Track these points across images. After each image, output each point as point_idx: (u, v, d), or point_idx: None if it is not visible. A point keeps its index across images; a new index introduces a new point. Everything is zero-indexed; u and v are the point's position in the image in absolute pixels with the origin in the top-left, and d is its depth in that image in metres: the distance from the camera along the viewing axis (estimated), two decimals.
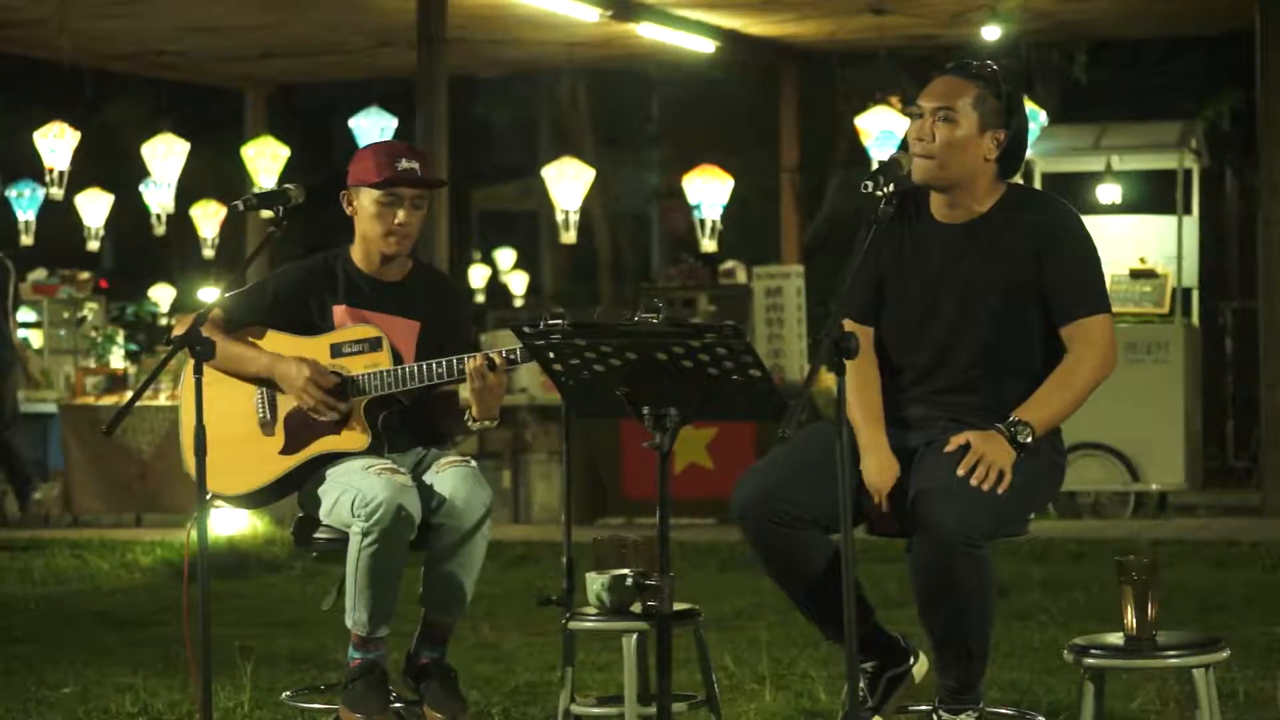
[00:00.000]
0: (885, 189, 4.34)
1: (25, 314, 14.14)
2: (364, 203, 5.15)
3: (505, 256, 28.23)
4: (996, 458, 4.36)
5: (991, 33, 13.95)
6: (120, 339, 14.23)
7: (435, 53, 12.98)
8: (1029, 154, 12.52)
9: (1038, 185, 12.32)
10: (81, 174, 14.99)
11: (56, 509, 12.80)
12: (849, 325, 4.54)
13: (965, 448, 4.39)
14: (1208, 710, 4.13)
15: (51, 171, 14.21)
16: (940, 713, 4.50)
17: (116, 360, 13.78)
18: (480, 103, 24.88)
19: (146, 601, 8.73)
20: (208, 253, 17.25)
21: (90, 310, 15.10)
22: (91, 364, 13.69)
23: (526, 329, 4.18)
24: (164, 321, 18.26)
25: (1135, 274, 12.10)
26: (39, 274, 15.58)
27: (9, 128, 20.42)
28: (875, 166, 4.51)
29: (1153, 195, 13.98)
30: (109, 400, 12.79)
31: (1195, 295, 12.61)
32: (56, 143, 14.20)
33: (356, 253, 5.22)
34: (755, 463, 4.64)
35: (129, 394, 12.57)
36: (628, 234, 26.57)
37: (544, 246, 26.67)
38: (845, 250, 4.76)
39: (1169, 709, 5.41)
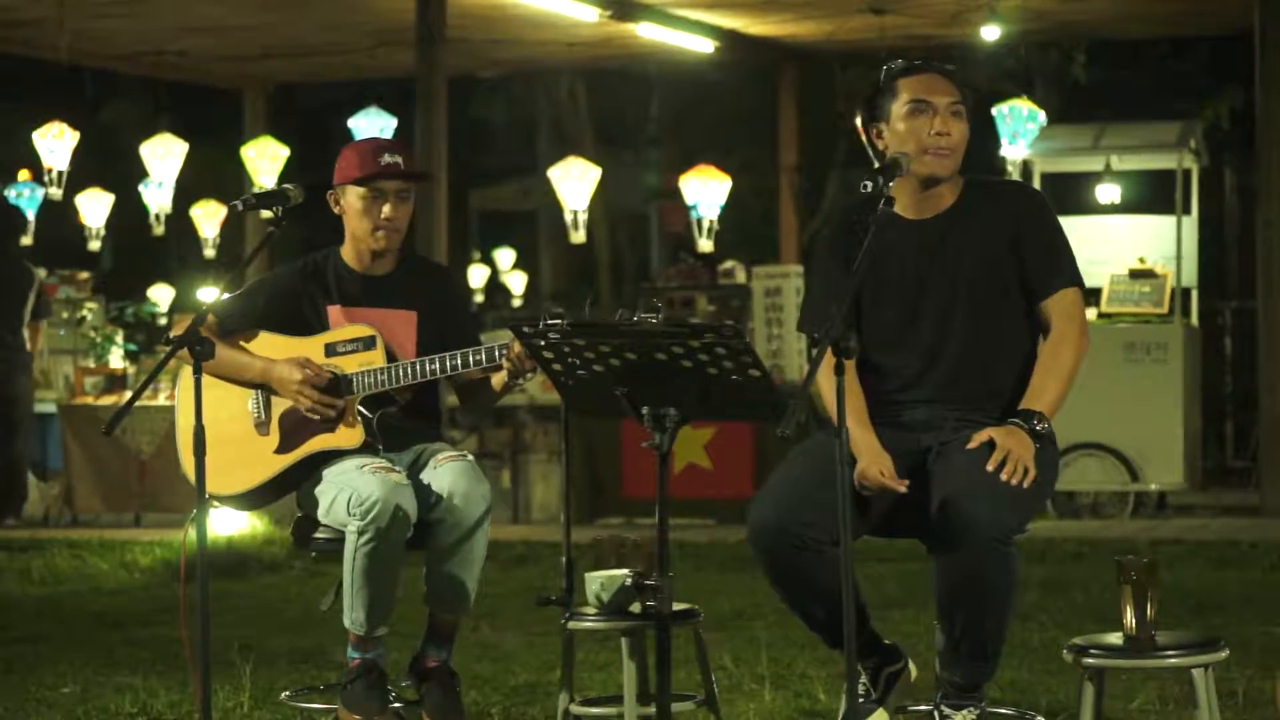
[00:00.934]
0: (886, 189, 4.34)
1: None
2: (350, 200, 5.16)
3: (504, 256, 28.24)
4: (1022, 452, 4.39)
5: (991, 32, 13.95)
6: (119, 339, 14.23)
7: (434, 53, 12.98)
8: (1028, 154, 12.65)
9: (1037, 185, 12.32)
10: (81, 174, 15.00)
11: (56, 509, 12.80)
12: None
13: (989, 445, 4.40)
14: (1207, 710, 4.13)
15: (50, 171, 14.21)
16: (942, 707, 4.51)
17: (116, 360, 13.78)
18: (479, 103, 24.87)
19: (146, 601, 8.73)
20: (208, 253, 17.25)
21: (89, 310, 15.10)
22: (91, 364, 13.68)
23: (525, 329, 4.18)
24: (163, 322, 18.25)
25: (1134, 274, 12.10)
26: (38, 274, 15.57)
27: (8, 128, 20.42)
28: (875, 166, 4.52)
29: (1152, 195, 13.98)
30: (108, 400, 12.78)
31: (1194, 295, 12.61)
32: (55, 143, 14.20)
33: (347, 252, 5.23)
34: (764, 486, 4.60)
35: (128, 394, 12.57)
36: (627, 234, 26.57)
37: (543, 246, 26.66)
38: None
39: (1168, 709, 5.42)
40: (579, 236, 14.45)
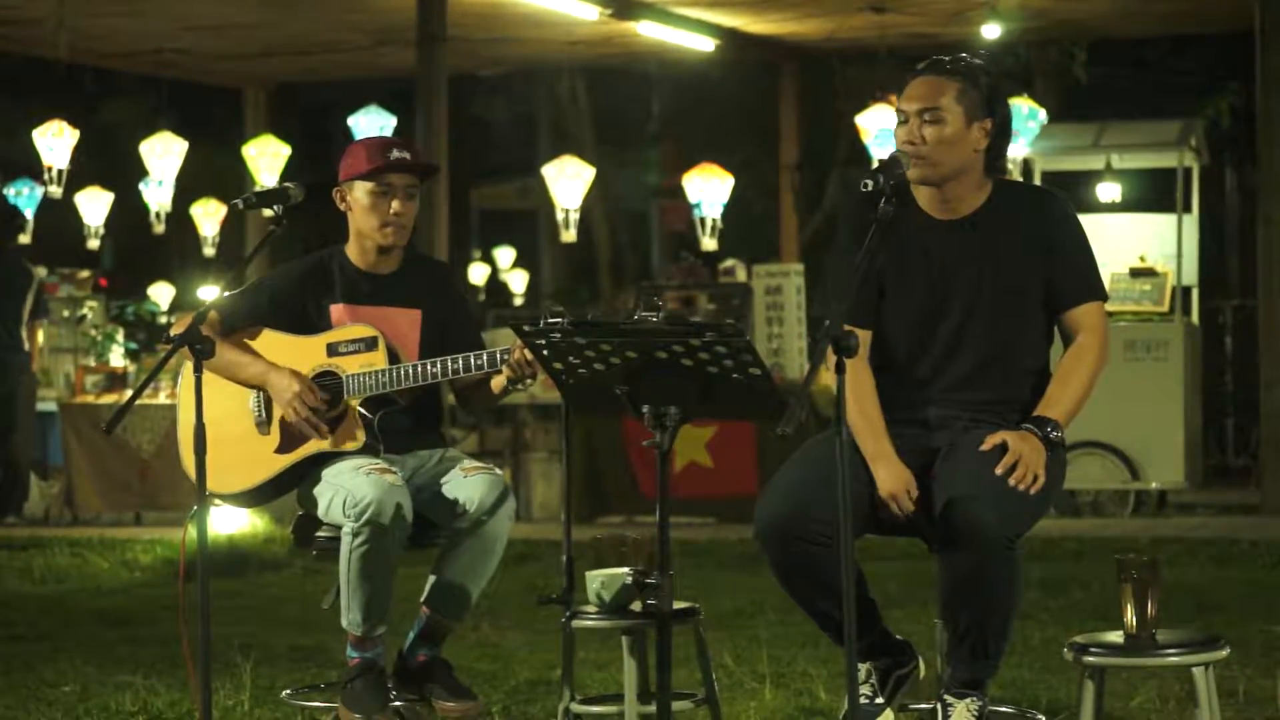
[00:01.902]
0: (886, 187, 4.34)
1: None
2: (357, 196, 5.16)
3: (505, 255, 28.24)
4: (1033, 458, 4.39)
5: (991, 31, 13.95)
6: (120, 337, 14.23)
7: (435, 51, 12.98)
8: (1028, 152, 12.65)
9: (1037, 184, 12.31)
10: (81, 172, 14.99)
11: (57, 507, 12.80)
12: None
13: (1001, 448, 4.39)
14: (1207, 708, 4.13)
15: (50, 170, 14.21)
16: (945, 697, 4.51)
17: (116, 359, 13.78)
18: (480, 101, 24.88)
19: (146, 600, 8.72)
20: (208, 251, 17.25)
21: (90, 309, 15.10)
22: (91, 362, 13.69)
23: (526, 328, 4.18)
24: (164, 320, 18.26)
25: (1135, 272, 12.10)
26: (39, 272, 15.57)
27: (8, 126, 20.42)
28: (875, 165, 4.51)
29: (1152, 194, 13.98)
30: (109, 399, 12.78)
31: (1195, 294, 12.61)
32: (55, 141, 14.19)
33: (352, 250, 5.23)
34: (771, 483, 4.59)
35: (129, 392, 12.57)
36: (627, 233, 26.58)
37: (544, 245, 26.68)
38: None
39: (1169, 707, 5.41)
40: (570, 236, 14.44)
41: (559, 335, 4.13)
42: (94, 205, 16.40)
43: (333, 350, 5.11)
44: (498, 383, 5.12)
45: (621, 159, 25.14)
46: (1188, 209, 12.50)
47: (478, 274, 26.92)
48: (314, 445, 5.09)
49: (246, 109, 17.17)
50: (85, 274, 15.75)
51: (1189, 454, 11.90)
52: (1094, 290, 4.60)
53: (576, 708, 4.91)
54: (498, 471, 5.12)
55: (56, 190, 14.38)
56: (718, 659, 6.01)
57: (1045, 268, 4.56)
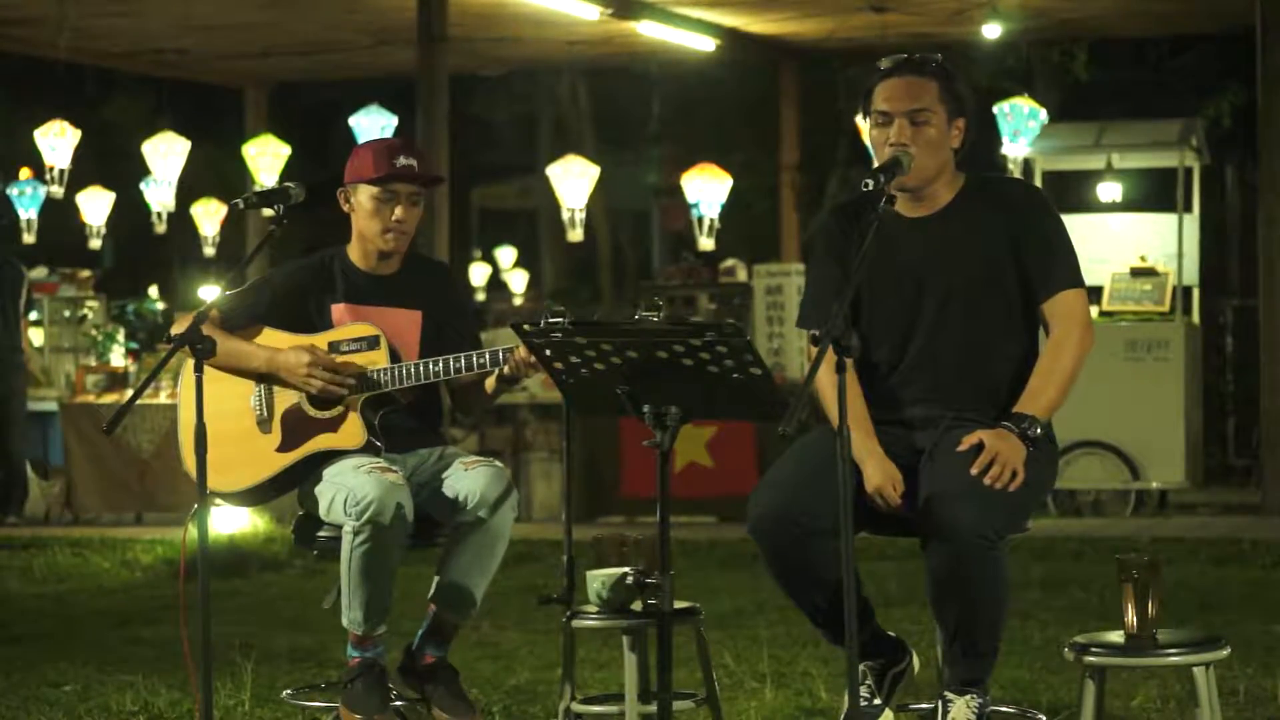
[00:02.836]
0: (887, 187, 4.34)
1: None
2: (361, 200, 5.15)
3: (505, 254, 28.26)
4: (1010, 456, 4.37)
5: (992, 30, 13.95)
6: (121, 337, 14.23)
7: (435, 51, 12.98)
8: (1029, 152, 12.65)
9: (1038, 183, 12.32)
10: (82, 172, 15.00)
11: (57, 507, 12.80)
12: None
13: (979, 447, 4.39)
14: (1208, 708, 4.13)
15: (52, 170, 14.21)
16: (945, 694, 4.51)
17: (117, 358, 13.78)
18: (480, 101, 24.87)
19: (147, 600, 8.73)
20: (208, 251, 17.26)
21: (91, 309, 15.11)
22: (92, 362, 13.69)
23: (527, 327, 4.18)
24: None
25: (1136, 272, 12.10)
26: (39, 272, 15.58)
27: (9, 126, 20.42)
28: (876, 164, 4.51)
29: (1153, 193, 13.97)
30: (109, 398, 12.78)
31: (1196, 293, 12.61)
32: (57, 141, 14.20)
33: (354, 251, 5.23)
34: (764, 477, 4.61)
35: (129, 392, 12.57)
36: (628, 232, 26.58)
37: (544, 244, 26.68)
38: None
39: (1169, 707, 5.42)
40: (576, 235, 14.45)
41: (560, 335, 4.13)
42: (95, 205, 16.40)
43: (335, 349, 5.11)
44: (490, 383, 5.12)
45: (621, 159, 25.13)
46: (1188, 209, 12.50)
47: (478, 274, 26.93)
48: (315, 443, 5.09)
49: (247, 109, 17.17)
50: (86, 273, 15.76)
51: (1190, 454, 11.90)
52: (1067, 279, 4.56)
53: (577, 707, 4.91)
54: (498, 464, 5.11)
55: (58, 190, 14.38)
56: (718, 659, 6.01)
57: (1016, 259, 4.55)
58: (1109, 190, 13.14)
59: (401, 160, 5.12)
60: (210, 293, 14.87)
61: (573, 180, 14.40)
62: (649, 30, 14.47)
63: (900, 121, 4.51)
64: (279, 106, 17.71)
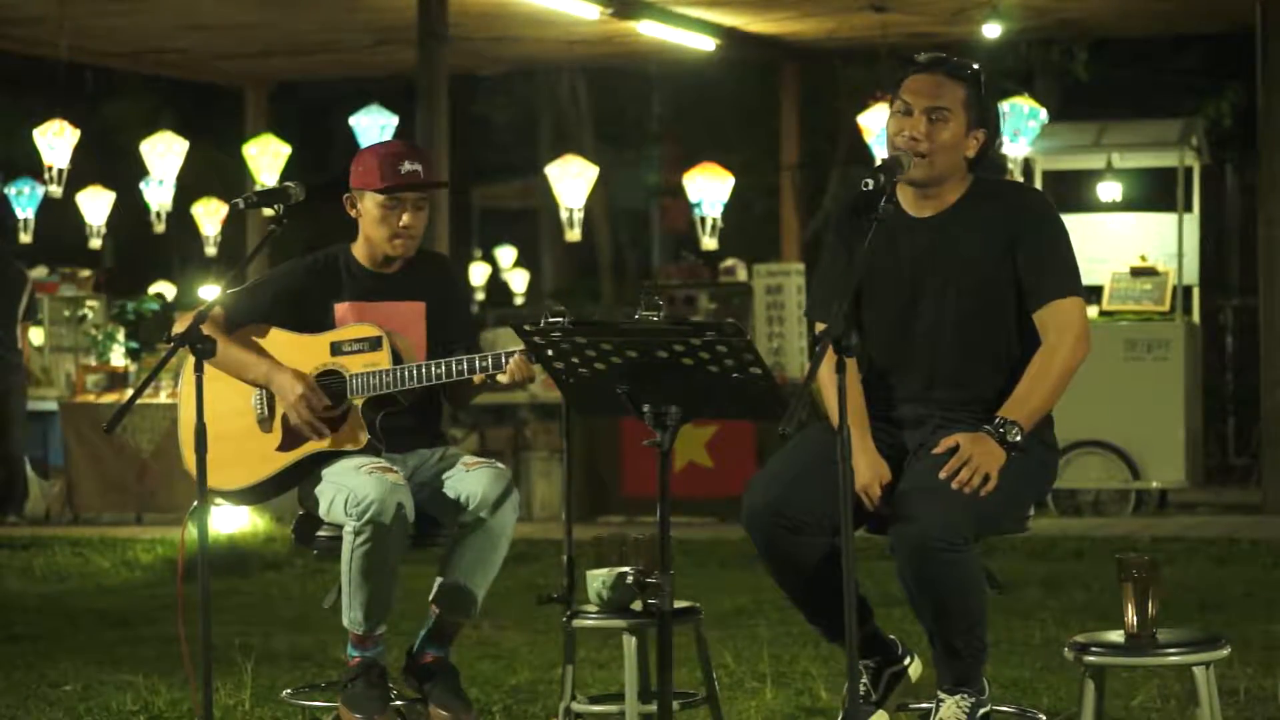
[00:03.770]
0: (886, 187, 4.34)
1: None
2: (368, 206, 5.15)
3: (506, 254, 28.25)
4: (983, 461, 4.35)
5: (992, 30, 13.94)
6: (121, 337, 14.23)
7: (436, 50, 12.97)
8: (1029, 152, 12.65)
9: (1038, 183, 12.32)
10: (82, 172, 14.99)
11: (57, 507, 12.80)
12: (821, 327, 4.56)
13: (953, 450, 4.38)
14: (1208, 708, 4.13)
15: (51, 169, 14.21)
16: (939, 693, 4.51)
17: (117, 358, 13.78)
18: (481, 100, 24.88)
19: (147, 599, 8.73)
20: (209, 250, 17.25)
21: (91, 308, 15.10)
22: (92, 362, 13.69)
23: (527, 327, 4.18)
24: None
25: (1136, 272, 12.10)
26: (39, 272, 15.58)
27: (9, 125, 20.41)
28: (877, 164, 4.51)
29: (1153, 193, 13.97)
30: (110, 398, 12.78)
31: (1196, 293, 12.61)
32: (56, 140, 14.19)
33: (359, 250, 5.23)
34: (760, 470, 4.62)
35: (129, 392, 12.57)
36: (628, 232, 26.57)
37: (544, 244, 26.68)
38: None
39: (1169, 707, 5.42)
40: (574, 235, 14.44)
41: (560, 334, 4.13)
42: (95, 204, 16.40)
43: (337, 349, 5.12)
44: (478, 376, 5.11)
45: (622, 158, 25.13)
46: (1189, 208, 12.50)
47: (479, 273, 26.93)
48: (315, 444, 5.10)
49: (247, 108, 17.16)
50: (86, 273, 15.76)
51: (1190, 453, 11.90)
52: (1063, 287, 4.52)
53: (577, 707, 4.91)
54: (500, 465, 5.11)
55: (57, 190, 14.38)
56: (718, 658, 6.01)
57: (1013, 265, 4.53)
58: (1109, 190, 13.14)
59: (406, 167, 5.12)
60: (211, 292, 14.87)
61: (571, 180, 14.39)
62: (649, 30, 14.47)
63: (919, 116, 4.52)
64: (279, 106, 17.71)
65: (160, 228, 16.08)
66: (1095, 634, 4.26)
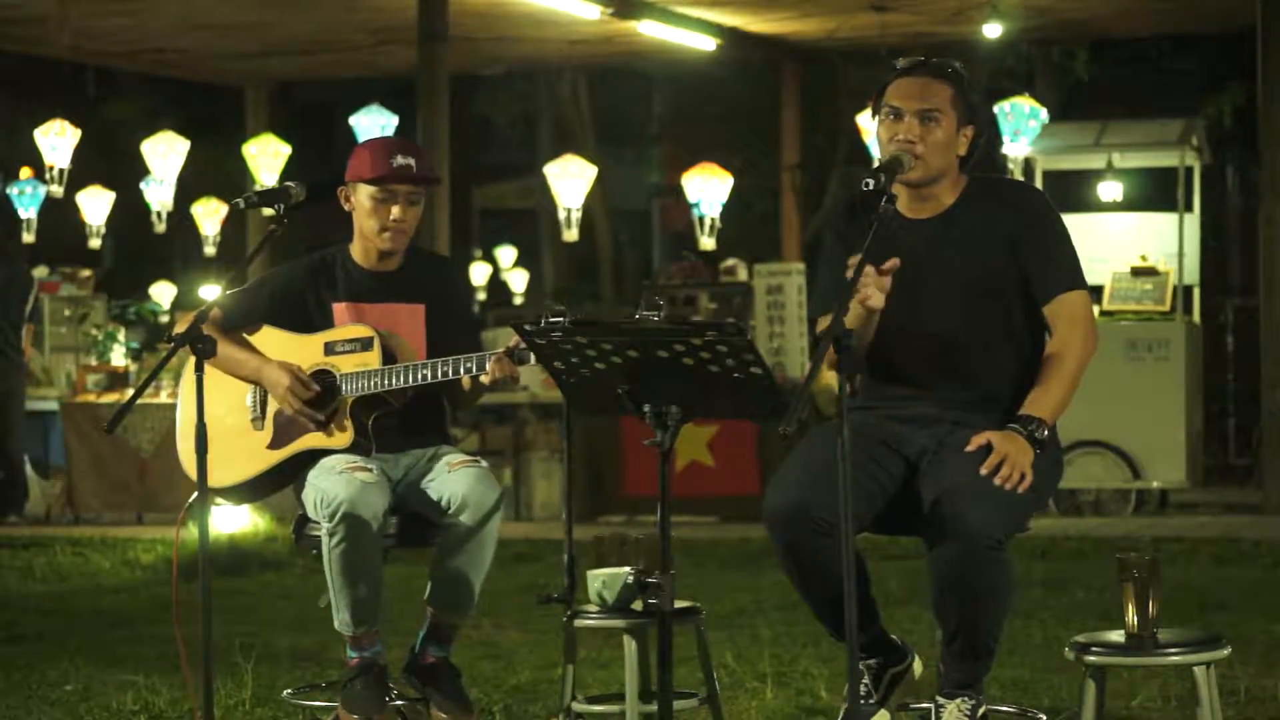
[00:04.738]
0: (886, 187, 4.34)
1: None
2: (360, 199, 5.16)
3: (506, 254, 28.25)
4: (1018, 458, 4.36)
5: (993, 30, 13.95)
6: (121, 336, 14.24)
7: (436, 50, 12.98)
8: (1030, 152, 12.65)
9: (1039, 183, 12.32)
10: (82, 172, 15.00)
11: (58, 507, 12.80)
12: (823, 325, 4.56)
13: (986, 449, 4.39)
14: (1209, 708, 4.13)
15: (52, 169, 14.21)
16: (939, 698, 4.51)
17: (117, 358, 13.79)
18: (481, 100, 24.88)
19: (148, 599, 8.73)
20: (209, 250, 17.26)
21: (91, 308, 15.11)
22: (93, 362, 13.69)
23: (527, 327, 4.18)
24: (165, 320, 18.27)
25: (1136, 271, 12.10)
26: (40, 271, 15.59)
27: (10, 125, 20.43)
28: (877, 164, 4.52)
29: (1154, 193, 13.98)
30: (110, 398, 12.78)
31: (1196, 293, 12.61)
32: (57, 140, 14.20)
33: (355, 249, 5.23)
34: (778, 473, 4.57)
35: (130, 392, 12.57)
36: (628, 232, 26.58)
37: (544, 244, 26.69)
38: None
39: (1170, 707, 5.41)
40: (572, 234, 14.45)
41: (560, 334, 4.13)
42: (95, 204, 16.40)
43: (330, 349, 5.12)
44: (466, 382, 5.11)
45: (622, 159, 25.14)
46: (1189, 208, 12.50)
47: (479, 273, 26.92)
48: (303, 442, 5.10)
49: (247, 108, 17.18)
50: (87, 273, 15.76)
51: (1190, 453, 11.90)
52: (1069, 280, 4.56)
53: (577, 707, 4.90)
54: (483, 464, 5.08)
55: (58, 189, 14.39)
56: (719, 658, 6.01)
57: (1017, 262, 4.55)
58: (1109, 190, 13.14)
59: (399, 160, 5.12)
60: (211, 292, 14.87)
61: (570, 180, 14.39)
62: (649, 30, 14.48)
63: (910, 119, 4.52)
64: (279, 106, 17.71)
65: (161, 228, 16.09)
66: (1096, 634, 4.25)
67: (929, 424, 4.57)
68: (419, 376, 4.99)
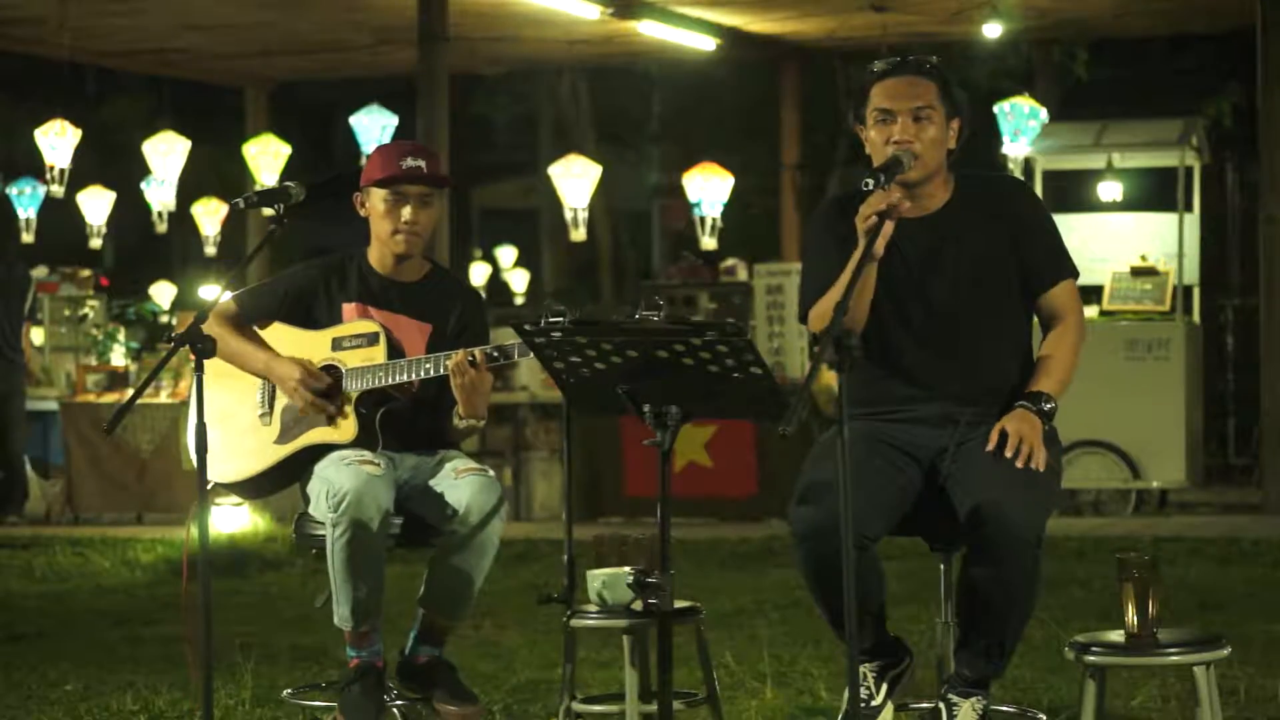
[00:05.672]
0: (886, 188, 4.35)
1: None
2: (374, 202, 5.18)
3: (506, 254, 28.24)
4: (1031, 434, 4.44)
5: (992, 30, 13.94)
6: (121, 337, 14.24)
7: (436, 50, 12.98)
8: (1029, 152, 12.64)
9: (1039, 183, 12.31)
10: (82, 171, 14.99)
11: (58, 507, 12.80)
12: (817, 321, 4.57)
13: (1003, 439, 4.43)
14: (1208, 708, 4.13)
15: (52, 169, 14.21)
16: (950, 696, 4.51)
17: (117, 358, 13.79)
18: (481, 100, 24.86)
19: (148, 599, 8.73)
20: (209, 250, 17.25)
21: (91, 308, 15.11)
22: (93, 361, 13.69)
23: (528, 327, 4.18)
24: (165, 320, 18.27)
25: (1136, 271, 12.10)
26: (40, 271, 15.59)
27: (10, 125, 20.43)
28: (877, 164, 4.52)
29: (1154, 193, 13.96)
30: (110, 398, 12.78)
31: (1196, 293, 12.61)
32: (57, 140, 14.20)
33: (372, 253, 5.26)
34: (806, 481, 4.49)
35: (130, 392, 12.57)
36: (628, 232, 26.57)
37: (545, 244, 26.68)
38: None
39: (1170, 706, 5.42)
40: (579, 234, 14.45)
41: (560, 334, 4.13)
42: (96, 204, 16.40)
43: (337, 345, 5.14)
44: (454, 413, 5.07)
45: (622, 159, 25.13)
46: (1189, 208, 12.49)
47: (479, 273, 26.91)
48: (310, 436, 5.11)
49: (247, 108, 17.17)
50: (87, 273, 15.76)
51: (1190, 453, 11.90)
52: (1065, 268, 4.68)
53: (577, 707, 4.91)
54: (490, 473, 5.09)
55: (58, 189, 14.38)
56: (718, 658, 6.01)
57: (1015, 257, 4.60)
58: (1109, 190, 13.13)
59: (409, 162, 5.14)
60: (211, 292, 14.87)
61: (574, 180, 14.40)
62: (649, 30, 14.47)
63: (904, 119, 4.53)
64: (279, 106, 17.71)
65: (162, 228, 16.08)
66: (1095, 634, 4.26)
67: (941, 424, 4.57)
68: (423, 370, 5.00)
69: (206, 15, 14.09)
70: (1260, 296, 12.35)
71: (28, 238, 15.40)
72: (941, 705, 4.54)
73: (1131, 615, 4.15)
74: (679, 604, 4.64)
